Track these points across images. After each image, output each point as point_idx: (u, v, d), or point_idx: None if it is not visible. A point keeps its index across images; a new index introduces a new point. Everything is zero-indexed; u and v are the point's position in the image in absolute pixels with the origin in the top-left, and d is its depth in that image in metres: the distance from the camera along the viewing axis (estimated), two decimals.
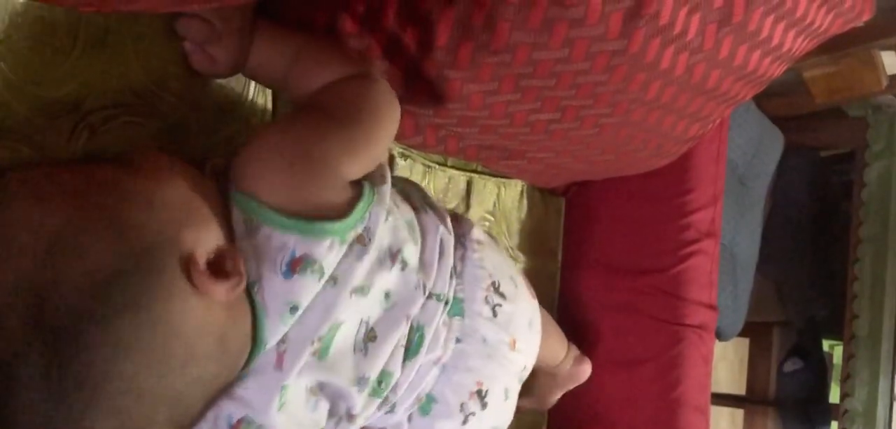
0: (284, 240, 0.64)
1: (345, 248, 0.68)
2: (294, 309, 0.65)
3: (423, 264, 0.79)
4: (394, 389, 0.77)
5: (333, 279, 0.68)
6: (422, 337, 0.78)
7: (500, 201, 1.15)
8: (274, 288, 0.64)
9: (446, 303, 0.81)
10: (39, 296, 0.52)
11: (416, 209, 0.82)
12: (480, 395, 0.82)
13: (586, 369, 1.18)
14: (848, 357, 2.16)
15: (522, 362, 0.91)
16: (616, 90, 0.88)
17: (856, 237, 2.14)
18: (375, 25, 0.80)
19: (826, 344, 2.71)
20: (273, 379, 0.66)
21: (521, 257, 1.20)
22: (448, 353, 0.81)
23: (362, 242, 0.70)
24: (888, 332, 2.12)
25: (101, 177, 0.60)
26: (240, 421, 0.66)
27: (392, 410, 0.79)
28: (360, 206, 0.69)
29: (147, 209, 0.58)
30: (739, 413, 2.71)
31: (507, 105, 0.88)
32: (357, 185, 0.71)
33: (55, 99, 0.63)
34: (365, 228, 0.70)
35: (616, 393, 1.27)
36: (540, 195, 1.24)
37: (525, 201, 1.20)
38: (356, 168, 0.71)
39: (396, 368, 0.76)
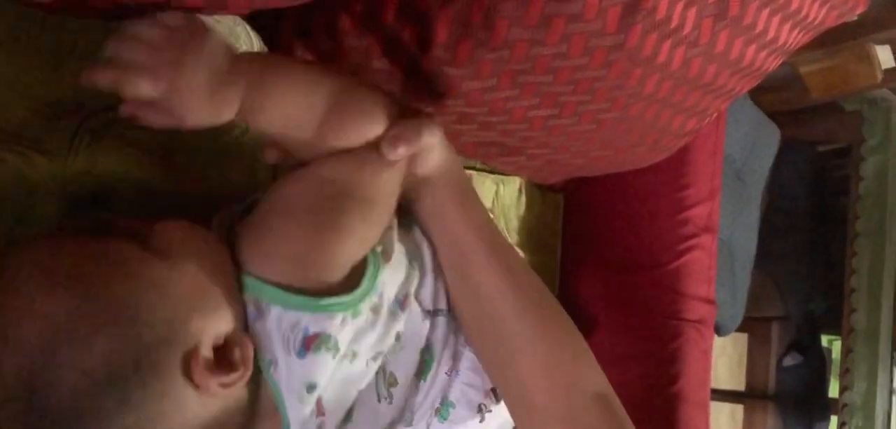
0: (296, 319, 0.62)
1: (359, 321, 0.66)
2: (311, 388, 0.63)
3: (423, 285, 0.78)
4: (409, 408, 0.77)
5: (353, 354, 0.67)
6: (431, 357, 0.77)
7: (499, 198, 1.16)
8: (290, 369, 0.62)
9: (448, 311, 0.80)
10: (34, 392, 0.51)
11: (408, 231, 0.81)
12: (495, 392, 0.81)
13: None
14: (846, 351, 2.17)
15: None
16: (614, 85, 0.89)
17: (853, 231, 2.15)
18: (374, 24, 0.80)
19: (825, 339, 2.71)
20: None
21: (521, 254, 1.21)
22: (459, 362, 0.80)
23: (376, 310, 0.68)
24: (886, 325, 2.13)
25: (114, 258, 0.57)
26: None
27: (410, 423, 0.78)
28: (368, 275, 0.66)
29: (158, 299, 0.57)
30: (739, 409, 2.71)
31: (505, 101, 0.88)
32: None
33: (56, 99, 0.64)
34: (378, 295, 0.68)
35: (615, 389, 1.27)
36: (538, 191, 1.24)
37: (524, 198, 1.21)
38: (366, 248, 0.68)
39: (407, 391, 0.76)
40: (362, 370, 0.68)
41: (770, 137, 1.88)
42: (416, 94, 0.86)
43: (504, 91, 0.86)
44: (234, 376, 0.59)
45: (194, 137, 0.70)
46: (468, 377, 0.80)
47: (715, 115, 1.12)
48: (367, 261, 0.67)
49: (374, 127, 0.69)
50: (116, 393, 0.53)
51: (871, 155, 2.12)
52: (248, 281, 0.63)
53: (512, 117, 0.91)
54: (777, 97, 2.06)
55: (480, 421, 0.82)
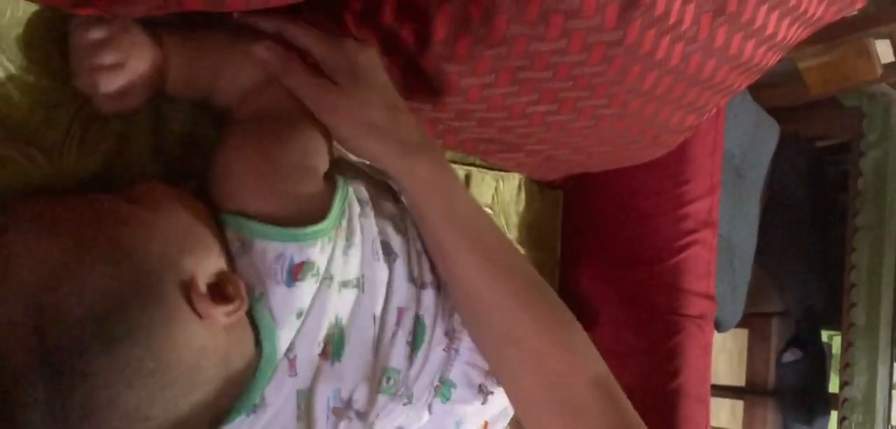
0: (281, 250, 0.65)
1: (331, 245, 0.68)
2: (300, 314, 0.66)
3: (410, 255, 0.79)
4: (404, 382, 0.78)
5: (329, 278, 0.69)
6: (423, 327, 0.78)
7: (499, 194, 1.16)
8: (279, 298, 0.65)
9: (438, 289, 0.81)
10: (40, 329, 0.52)
11: (397, 201, 0.82)
12: None
13: None
14: (846, 346, 2.17)
15: None
16: (612, 81, 0.89)
17: (852, 227, 2.15)
18: (373, 21, 0.80)
19: (824, 334, 2.72)
20: (289, 387, 0.68)
21: (521, 251, 1.21)
22: (457, 341, 0.81)
23: (347, 235, 0.71)
24: (886, 320, 2.13)
25: (101, 207, 0.60)
26: None
27: (410, 401, 0.79)
28: (337, 199, 0.70)
29: (147, 237, 0.59)
30: (739, 404, 2.71)
31: (504, 98, 0.88)
32: (330, 181, 0.72)
33: (54, 88, 0.65)
34: (347, 219, 0.71)
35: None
36: (538, 188, 1.24)
37: (523, 194, 1.21)
38: (320, 158, 0.71)
39: (401, 363, 0.77)
40: (335, 295, 0.69)
41: (769, 133, 1.88)
42: (415, 92, 0.86)
43: (503, 87, 0.86)
44: (234, 305, 0.60)
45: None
46: (468, 357, 0.81)
47: (714, 110, 1.12)
48: (336, 188, 0.70)
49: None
50: (121, 319, 0.54)
51: (870, 150, 2.13)
52: (229, 219, 0.65)
53: (511, 114, 0.91)
54: (776, 93, 2.06)
55: (483, 403, 0.82)
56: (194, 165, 0.75)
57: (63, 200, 0.60)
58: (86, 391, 0.53)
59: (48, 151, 0.64)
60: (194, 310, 0.58)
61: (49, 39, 0.64)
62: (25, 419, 0.52)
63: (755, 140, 1.80)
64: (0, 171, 0.61)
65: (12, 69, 0.62)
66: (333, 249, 0.69)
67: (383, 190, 0.82)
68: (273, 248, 0.65)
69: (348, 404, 0.73)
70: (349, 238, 0.71)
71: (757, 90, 1.67)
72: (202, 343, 0.59)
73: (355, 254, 0.72)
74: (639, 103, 0.95)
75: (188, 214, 0.63)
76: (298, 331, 0.67)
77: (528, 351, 0.75)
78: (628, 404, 0.76)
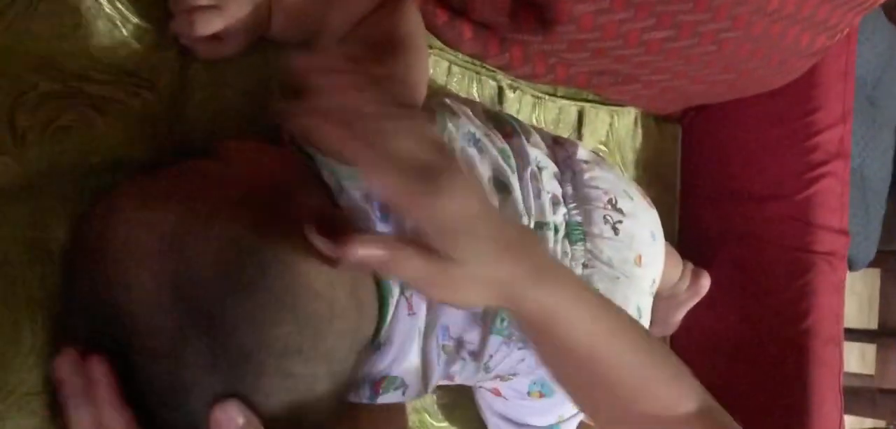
0: (368, 189, 0.65)
1: None
2: None
3: (524, 190, 0.77)
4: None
5: None
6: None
7: (614, 131, 1.11)
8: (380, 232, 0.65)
9: (555, 230, 0.79)
10: (179, 287, 0.53)
11: (508, 136, 0.80)
12: None
13: (705, 283, 1.13)
14: None
15: (650, 275, 0.89)
16: (736, 2, 0.85)
17: None
18: None
19: None
20: (408, 325, 0.68)
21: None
22: None
23: None
24: None
25: (195, 171, 0.61)
26: (382, 379, 0.69)
27: (526, 345, 0.77)
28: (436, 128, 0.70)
29: (249, 188, 0.59)
30: (870, 349, 2.60)
31: (619, 24, 0.85)
32: (430, 118, 0.71)
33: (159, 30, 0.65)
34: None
35: (741, 326, 1.23)
36: (655, 123, 1.20)
37: (639, 130, 1.16)
38: (416, 96, 0.70)
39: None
40: None
41: None
42: (524, 23, 0.84)
43: (618, 13, 0.83)
44: (346, 238, 0.58)
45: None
46: None
47: (846, 31, 1.06)
48: (434, 120, 0.70)
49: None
50: (251, 262, 0.55)
51: None
52: (322, 160, 0.66)
53: (626, 42, 0.88)
54: None
55: None
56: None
57: (155, 175, 0.61)
58: (238, 339, 0.54)
59: (160, 94, 0.65)
60: (313, 246, 0.58)
61: None
62: (193, 380, 0.54)
63: (890, 65, 1.69)
64: (107, 113, 0.61)
65: (126, 11, 0.62)
66: None
67: (493, 126, 0.80)
68: (360, 188, 0.65)
69: (460, 343, 0.73)
70: None
71: (892, 9, 1.57)
72: (329, 276, 0.59)
73: None
74: (764, 25, 0.91)
75: (277, 161, 0.64)
76: None
77: (630, 395, 0.68)
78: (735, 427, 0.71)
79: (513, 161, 0.78)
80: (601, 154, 1.05)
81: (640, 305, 0.87)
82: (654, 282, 0.90)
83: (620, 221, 0.83)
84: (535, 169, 0.80)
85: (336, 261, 0.56)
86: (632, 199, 0.87)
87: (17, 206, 0.58)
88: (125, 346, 0.54)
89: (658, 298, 1.01)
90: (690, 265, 1.14)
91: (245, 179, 0.60)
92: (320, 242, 0.57)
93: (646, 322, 0.89)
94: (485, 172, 0.73)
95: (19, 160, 0.58)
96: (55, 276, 0.60)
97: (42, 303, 0.59)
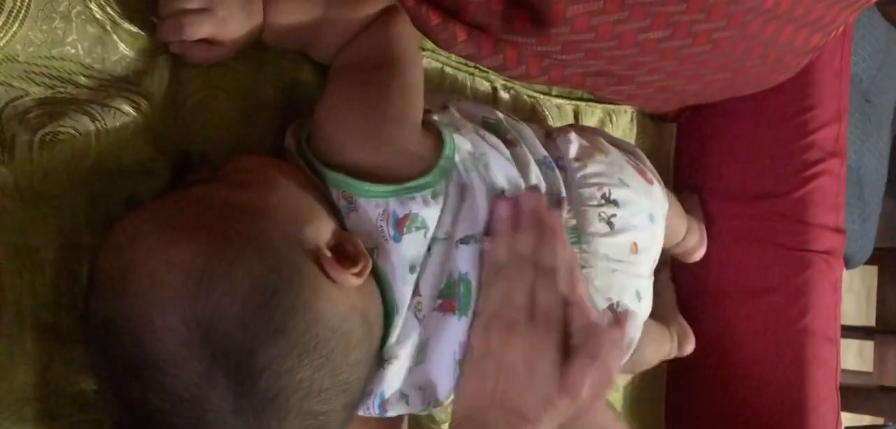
0: (383, 206, 0.65)
1: (438, 201, 0.67)
2: (413, 268, 0.66)
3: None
4: None
5: (447, 236, 0.68)
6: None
7: (610, 129, 1.11)
8: (392, 253, 0.65)
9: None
10: (207, 331, 0.53)
11: (510, 144, 0.79)
12: (612, 308, 0.80)
13: (689, 348, 1.17)
14: None
15: (649, 259, 0.88)
16: (730, 0, 0.84)
17: None
18: None
19: None
20: (414, 339, 0.68)
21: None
22: None
23: (463, 190, 0.70)
24: None
25: (211, 200, 0.60)
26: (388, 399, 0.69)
27: None
28: (444, 152, 0.69)
29: (267, 219, 0.59)
30: (868, 346, 2.60)
31: (614, 25, 0.84)
32: (436, 137, 0.70)
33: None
34: (457, 173, 0.70)
35: (740, 325, 1.23)
36: (651, 121, 1.20)
37: (635, 128, 1.16)
38: (417, 109, 0.70)
39: None
40: (454, 251, 0.69)
41: None
42: (517, 24, 0.84)
43: (612, 14, 0.83)
44: (361, 264, 0.61)
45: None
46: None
47: (841, 29, 1.06)
48: (443, 143, 0.69)
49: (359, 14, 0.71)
50: (277, 305, 0.55)
51: None
52: (332, 177, 0.65)
53: (621, 42, 0.88)
54: None
55: None
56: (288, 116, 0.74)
57: (174, 202, 0.60)
58: (265, 382, 0.54)
59: (152, 99, 0.64)
60: (328, 277, 0.59)
61: None
62: (217, 422, 0.54)
63: (885, 62, 1.69)
64: (99, 119, 0.61)
65: (116, 17, 0.62)
66: (445, 203, 0.68)
67: (495, 135, 0.79)
68: (377, 205, 0.65)
69: None
70: (463, 193, 0.70)
71: (887, 6, 1.56)
72: (345, 307, 0.60)
73: (472, 208, 0.70)
74: (759, 23, 0.90)
75: (293, 183, 0.63)
76: (415, 285, 0.67)
77: None
78: None
79: (516, 170, 0.77)
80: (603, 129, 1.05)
81: (639, 290, 0.86)
82: (654, 260, 0.90)
83: (614, 215, 0.82)
84: (536, 178, 0.79)
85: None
86: (628, 186, 0.85)
87: (8, 213, 0.57)
88: (148, 388, 0.53)
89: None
90: (696, 229, 1.16)
91: (263, 209, 0.60)
92: (335, 271, 0.59)
93: (646, 304, 0.89)
94: (500, 182, 0.73)
95: (10, 168, 0.57)
96: (46, 284, 0.59)
97: (33, 310, 0.58)
